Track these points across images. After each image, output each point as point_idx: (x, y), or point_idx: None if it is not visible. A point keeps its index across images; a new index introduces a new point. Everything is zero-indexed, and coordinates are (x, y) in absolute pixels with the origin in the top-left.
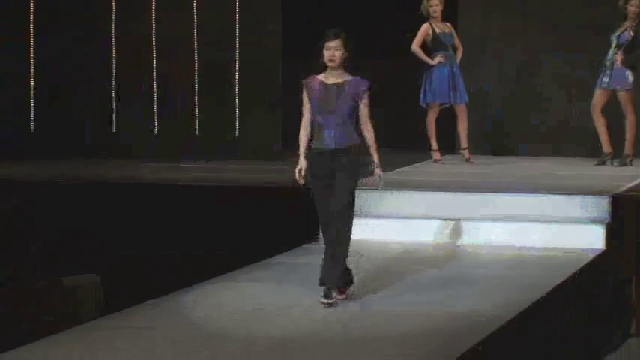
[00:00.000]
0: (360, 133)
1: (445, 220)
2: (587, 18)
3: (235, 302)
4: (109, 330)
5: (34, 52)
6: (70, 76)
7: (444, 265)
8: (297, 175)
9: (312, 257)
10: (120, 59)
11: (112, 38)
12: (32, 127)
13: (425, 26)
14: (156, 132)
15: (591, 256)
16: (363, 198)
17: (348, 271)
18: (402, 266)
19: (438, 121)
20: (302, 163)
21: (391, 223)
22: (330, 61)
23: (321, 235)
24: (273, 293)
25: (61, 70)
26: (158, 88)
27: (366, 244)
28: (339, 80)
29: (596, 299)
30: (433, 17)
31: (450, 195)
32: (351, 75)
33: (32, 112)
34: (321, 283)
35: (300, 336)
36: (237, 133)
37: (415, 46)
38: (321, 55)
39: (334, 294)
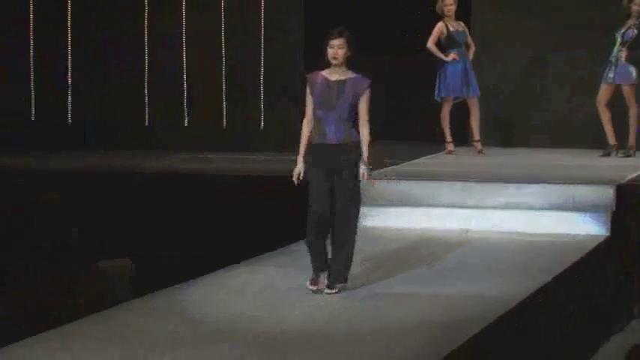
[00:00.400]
0: (356, 129)
1: (458, 207)
2: (588, 18)
3: (259, 285)
4: (139, 311)
5: (71, 49)
6: (105, 72)
7: (457, 251)
8: (294, 177)
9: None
10: (151, 55)
11: (144, 36)
12: (69, 120)
13: (439, 25)
14: (186, 124)
15: (597, 242)
16: (380, 187)
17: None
18: (417, 251)
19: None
20: (300, 166)
21: (407, 210)
22: (334, 58)
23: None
24: (295, 277)
25: (96, 65)
26: (187, 82)
27: (382, 231)
28: (342, 77)
29: (602, 282)
30: (447, 16)
31: (463, 184)
32: (353, 72)
33: (69, 105)
34: (324, 274)
35: (322, 315)
36: (262, 125)
37: (430, 44)
38: (325, 53)
39: (339, 286)
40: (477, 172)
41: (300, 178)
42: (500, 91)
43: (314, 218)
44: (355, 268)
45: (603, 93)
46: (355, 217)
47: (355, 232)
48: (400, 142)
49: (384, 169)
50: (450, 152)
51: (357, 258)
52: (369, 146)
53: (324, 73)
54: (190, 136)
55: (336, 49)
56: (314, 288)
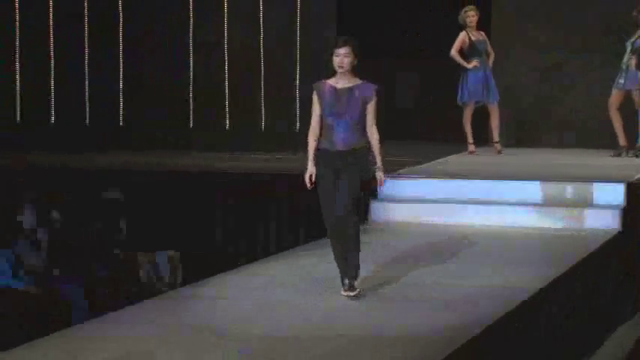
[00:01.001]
0: (365, 135)
1: (479, 204)
2: (603, 25)
3: (291, 275)
4: (186, 299)
5: (122, 58)
6: (154, 78)
7: (479, 243)
8: (306, 180)
9: (365, 235)
10: (196, 63)
11: (189, 44)
12: (121, 123)
13: (462, 35)
14: (227, 127)
15: (609, 236)
16: (406, 184)
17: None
18: (440, 244)
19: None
20: (311, 168)
21: (431, 206)
22: (340, 67)
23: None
24: (326, 268)
25: (146, 72)
26: (229, 87)
27: (408, 225)
28: (349, 84)
29: (613, 273)
30: (469, 27)
31: (484, 182)
32: (359, 79)
33: (121, 109)
34: (343, 281)
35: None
36: (297, 127)
37: (454, 52)
38: (331, 61)
39: (355, 284)
40: (497, 170)
41: (313, 179)
42: (518, 95)
43: (329, 222)
44: (383, 260)
45: (614, 98)
46: (356, 214)
47: (358, 235)
48: (426, 142)
49: (411, 167)
50: (471, 152)
51: (384, 251)
52: (380, 153)
53: (331, 81)
54: (230, 138)
55: (342, 57)
56: (351, 294)
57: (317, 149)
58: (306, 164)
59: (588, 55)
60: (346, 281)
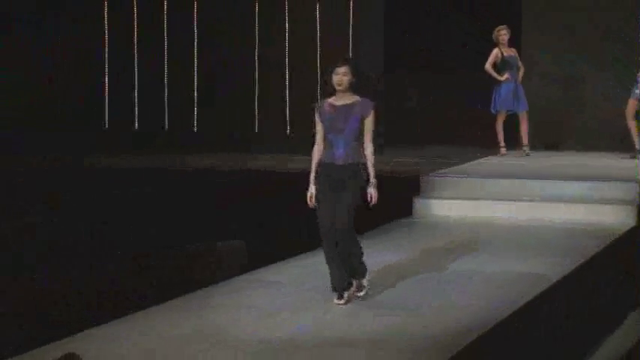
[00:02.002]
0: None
1: (510, 200)
2: (622, 41)
3: None
4: (247, 283)
5: (197, 67)
6: (224, 87)
7: (510, 235)
8: (308, 200)
9: (404, 229)
10: (261, 77)
11: (255, 61)
12: (195, 128)
13: (495, 51)
14: (288, 132)
15: (625, 230)
16: (445, 182)
17: (363, 265)
18: (477, 236)
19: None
20: (312, 189)
21: (467, 202)
22: (339, 85)
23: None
24: (375, 255)
25: (217, 84)
26: (290, 96)
27: (448, 219)
28: (348, 102)
29: (627, 265)
30: (501, 44)
31: (515, 181)
32: (358, 96)
33: (195, 116)
34: (334, 289)
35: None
36: None
37: (488, 66)
38: (331, 79)
39: (346, 294)
40: (525, 170)
41: (313, 200)
42: (544, 104)
43: (325, 234)
44: (423, 250)
45: (630, 106)
46: (352, 231)
47: (357, 243)
48: (462, 146)
49: (449, 168)
50: (502, 154)
51: (425, 243)
52: (374, 165)
53: (330, 100)
54: (292, 143)
55: (341, 75)
56: (342, 302)
57: (320, 164)
58: (309, 183)
59: (608, 67)
60: (353, 282)
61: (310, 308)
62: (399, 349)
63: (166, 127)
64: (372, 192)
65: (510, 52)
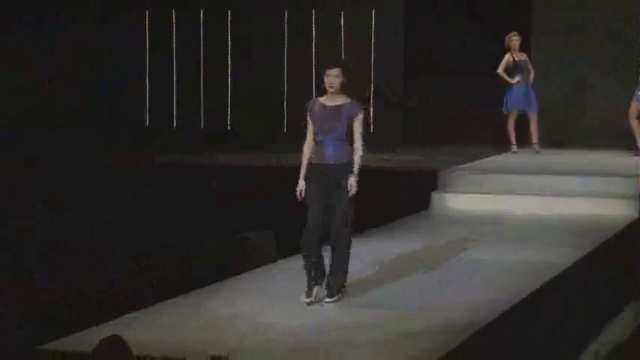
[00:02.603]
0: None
1: (521, 194)
2: (626, 47)
3: (373, 251)
4: (277, 271)
5: (231, 75)
6: (260, 89)
7: (521, 227)
8: (297, 194)
9: (422, 221)
10: (290, 79)
11: (284, 64)
12: (229, 126)
13: (507, 56)
14: None
15: (628, 222)
16: (460, 177)
17: (346, 270)
18: (490, 227)
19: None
20: (301, 184)
21: (480, 196)
22: (330, 87)
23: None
24: (405, 243)
25: (250, 86)
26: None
27: (463, 212)
28: (338, 103)
29: (629, 255)
30: (513, 49)
31: (525, 177)
32: (348, 98)
33: (229, 115)
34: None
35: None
36: (371, 128)
37: (500, 70)
38: (323, 81)
39: (338, 294)
40: (535, 167)
41: (302, 195)
42: (553, 105)
43: (308, 231)
44: (439, 241)
45: (633, 107)
46: (348, 235)
47: (349, 249)
48: (474, 144)
49: (465, 165)
50: (514, 152)
51: (440, 234)
52: (360, 162)
53: (322, 100)
54: None
55: (333, 77)
56: (309, 300)
57: (310, 163)
58: (298, 179)
59: (612, 71)
60: (316, 290)
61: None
62: (417, 331)
63: (202, 126)
64: (352, 182)
65: (521, 57)
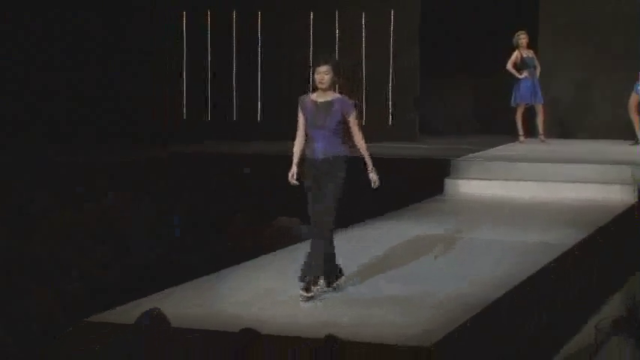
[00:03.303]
0: (345, 145)
1: (528, 181)
2: (626, 47)
3: (391, 232)
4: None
5: (261, 71)
6: (289, 88)
7: (529, 211)
8: (289, 177)
9: (436, 205)
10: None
11: (309, 61)
12: (259, 119)
13: (516, 53)
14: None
15: (626, 206)
16: (472, 165)
17: (337, 266)
18: (500, 211)
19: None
20: (293, 168)
21: (491, 183)
22: (320, 83)
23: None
24: (420, 225)
25: (281, 84)
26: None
27: (474, 197)
28: (328, 99)
29: (630, 235)
30: (521, 46)
31: (532, 164)
32: (338, 94)
33: (258, 109)
34: (302, 278)
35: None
36: (390, 122)
37: (509, 66)
38: (313, 78)
39: (314, 288)
40: (541, 155)
41: (295, 177)
42: (559, 98)
43: (311, 220)
44: (452, 224)
45: (632, 100)
46: (331, 223)
47: (331, 238)
48: (487, 134)
49: (475, 153)
50: (521, 142)
51: (453, 217)
52: (369, 157)
53: (313, 96)
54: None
55: (323, 74)
56: (309, 295)
57: (303, 157)
58: (292, 166)
59: (613, 68)
60: (313, 284)
61: (351, 275)
62: (431, 306)
63: (234, 117)
64: (373, 177)
65: (529, 53)
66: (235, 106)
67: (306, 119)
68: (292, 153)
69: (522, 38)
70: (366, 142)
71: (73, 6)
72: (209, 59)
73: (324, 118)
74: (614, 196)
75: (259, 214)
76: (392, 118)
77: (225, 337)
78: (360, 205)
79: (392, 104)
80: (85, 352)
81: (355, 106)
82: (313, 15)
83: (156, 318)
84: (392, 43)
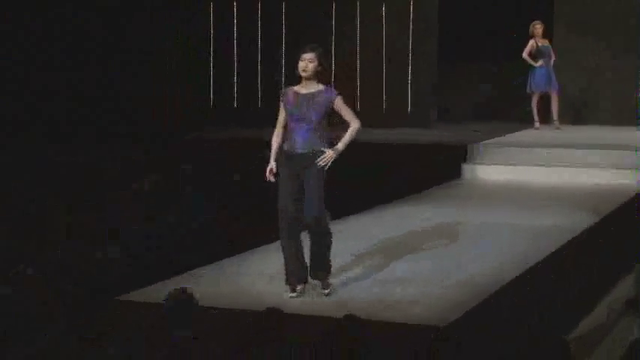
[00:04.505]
0: (326, 139)
1: (543, 166)
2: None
3: (408, 215)
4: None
5: (285, 61)
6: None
7: (544, 195)
8: (267, 173)
9: (458, 188)
10: (337, 62)
11: (331, 52)
12: (259, 105)
13: (531, 42)
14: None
15: (637, 190)
16: (489, 150)
17: (329, 262)
18: (515, 195)
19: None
20: (272, 163)
21: (506, 168)
22: (303, 71)
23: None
24: (438, 208)
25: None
26: (360, 84)
27: (491, 182)
28: (312, 90)
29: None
30: (536, 35)
31: (548, 149)
32: (322, 85)
33: (259, 97)
34: (287, 282)
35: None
36: (409, 109)
37: (525, 55)
38: (297, 67)
39: (328, 283)
40: (556, 141)
41: (273, 171)
42: (573, 86)
43: (280, 215)
44: (469, 207)
45: None
46: (323, 218)
47: (329, 233)
48: (504, 120)
49: (492, 139)
50: (537, 128)
51: (469, 200)
52: (350, 139)
53: (296, 88)
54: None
55: (307, 62)
56: (294, 295)
57: (280, 150)
58: (269, 161)
59: (624, 57)
60: (311, 280)
61: (368, 255)
62: (443, 287)
63: (259, 105)
64: (329, 152)
65: (544, 42)
66: (260, 94)
67: (287, 111)
68: (270, 147)
69: (538, 28)
70: (386, 128)
71: (73, 6)
72: (235, 48)
73: (305, 110)
74: (628, 180)
75: None
76: (410, 105)
77: (250, 316)
78: (379, 189)
79: (410, 91)
80: (115, 330)
81: (340, 94)
82: (335, 5)
83: (183, 297)
84: (411, 30)
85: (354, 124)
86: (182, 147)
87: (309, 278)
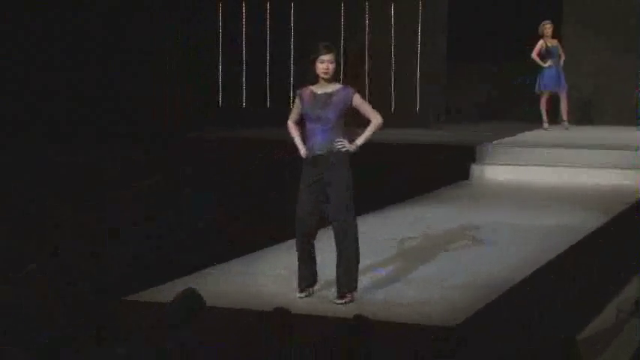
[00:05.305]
0: (346, 140)
1: (551, 166)
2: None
3: (417, 215)
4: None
5: (293, 61)
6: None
7: (551, 195)
8: (305, 155)
9: (467, 189)
10: (346, 63)
11: (340, 49)
12: (268, 104)
13: (540, 42)
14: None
15: None
16: (498, 151)
17: (356, 276)
18: (523, 195)
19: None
20: (302, 148)
21: (515, 168)
22: (325, 73)
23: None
24: (447, 208)
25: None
26: (370, 81)
27: (499, 182)
28: (328, 90)
29: None
30: (546, 36)
31: (556, 150)
32: (338, 84)
33: (268, 97)
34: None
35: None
36: (417, 108)
37: (534, 55)
38: (314, 68)
39: (348, 295)
40: (564, 141)
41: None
42: (581, 86)
43: (297, 224)
44: (477, 207)
45: None
46: (353, 226)
47: (356, 241)
48: (512, 121)
49: (501, 139)
50: (546, 129)
51: (476, 200)
52: (372, 132)
53: (312, 87)
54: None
55: (327, 63)
56: (303, 295)
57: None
58: (298, 149)
59: (624, 57)
60: (310, 288)
61: (375, 256)
62: (455, 287)
63: (268, 105)
64: (346, 142)
65: (553, 43)
66: (269, 93)
67: (304, 112)
68: (292, 137)
69: (547, 28)
70: (394, 128)
71: (73, 6)
72: (243, 49)
73: (322, 111)
74: (633, 181)
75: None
76: (419, 105)
77: (258, 316)
78: (387, 190)
79: (419, 91)
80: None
81: (358, 91)
82: (344, 7)
83: (190, 297)
84: (420, 31)
85: (375, 120)
86: (182, 147)
87: (335, 298)
